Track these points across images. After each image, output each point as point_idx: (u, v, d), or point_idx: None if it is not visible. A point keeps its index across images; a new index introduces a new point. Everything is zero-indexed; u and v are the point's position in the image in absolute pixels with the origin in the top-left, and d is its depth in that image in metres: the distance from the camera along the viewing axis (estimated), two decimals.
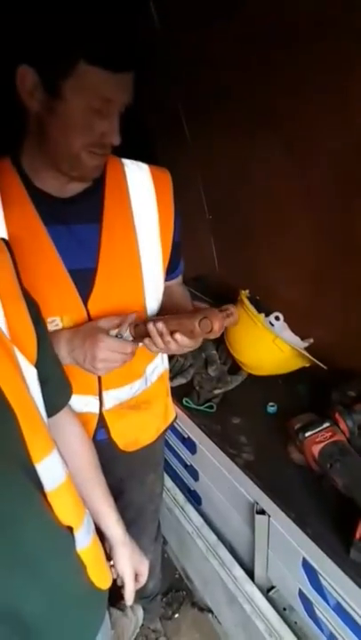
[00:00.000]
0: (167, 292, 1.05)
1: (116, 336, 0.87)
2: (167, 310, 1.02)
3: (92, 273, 0.92)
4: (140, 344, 0.90)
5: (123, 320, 0.88)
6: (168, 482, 1.64)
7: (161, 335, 0.85)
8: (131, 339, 0.89)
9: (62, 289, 0.90)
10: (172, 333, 0.84)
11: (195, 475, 1.57)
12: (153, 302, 1.01)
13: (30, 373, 0.67)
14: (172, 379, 1.46)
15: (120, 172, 0.94)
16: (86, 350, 0.86)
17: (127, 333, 0.88)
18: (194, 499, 1.63)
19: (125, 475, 1.20)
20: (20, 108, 0.78)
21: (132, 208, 0.94)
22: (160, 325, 0.85)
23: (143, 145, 1.28)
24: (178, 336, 0.84)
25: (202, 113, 1.46)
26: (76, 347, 0.87)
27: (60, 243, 0.88)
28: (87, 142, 0.80)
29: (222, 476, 1.36)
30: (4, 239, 0.70)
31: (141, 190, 0.95)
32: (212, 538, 1.46)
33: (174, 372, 1.53)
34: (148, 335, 0.87)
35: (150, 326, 0.85)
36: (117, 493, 1.15)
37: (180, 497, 1.61)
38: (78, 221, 0.90)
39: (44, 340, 0.71)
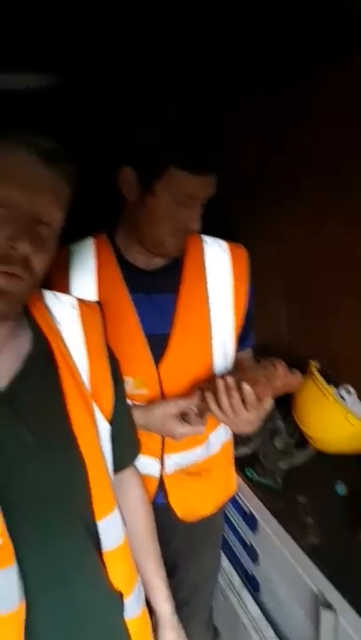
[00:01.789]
0: (237, 364, 1.08)
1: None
2: None
3: (166, 338, 0.99)
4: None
5: (189, 402, 0.94)
6: (224, 560, 1.54)
7: (228, 389, 0.87)
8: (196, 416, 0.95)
9: (138, 351, 0.97)
10: (238, 386, 0.87)
11: (254, 556, 1.47)
12: (221, 369, 1.04)
13: (104, 428, 0.70)
14: (235, 447, 1.42)
15: (199, 249, 1.05)
16: (165, 436, 1.00)
17: (194, 412, 0.94)
18: (251, 584, 1.51)
19: (183, 548, 1.16)
20: (118, 196, 0.94)
21: (208, 282, 1.03)
22: (229, 378, 0.88)
23: (220, 217, 1.39)
24: (245, 385, 0.86)
25: (274, 186, 1.57)
26: (152, 430, 0.97)
27: (141, 309, 0.98)
28: (171, 229, 0.92)
29: (285, 560, 1.26)
30: (99, 302, 0.78)
31: (218, 266, 1.04)
32: (270, 633, 1.32)
33: (238, 440, 1.50)
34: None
35: (219, 382, 0.88)
36: (172, 569, 1.11)
37: (237, 580, 1.50)
38: (159, 291, 1.00)
39: (121, 399, 0.75)
